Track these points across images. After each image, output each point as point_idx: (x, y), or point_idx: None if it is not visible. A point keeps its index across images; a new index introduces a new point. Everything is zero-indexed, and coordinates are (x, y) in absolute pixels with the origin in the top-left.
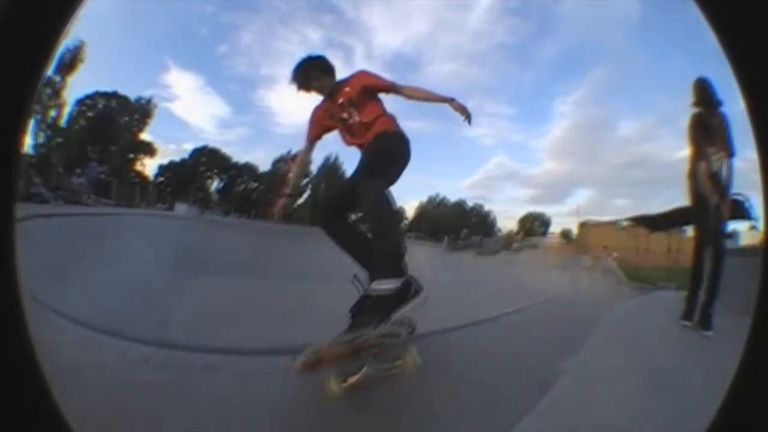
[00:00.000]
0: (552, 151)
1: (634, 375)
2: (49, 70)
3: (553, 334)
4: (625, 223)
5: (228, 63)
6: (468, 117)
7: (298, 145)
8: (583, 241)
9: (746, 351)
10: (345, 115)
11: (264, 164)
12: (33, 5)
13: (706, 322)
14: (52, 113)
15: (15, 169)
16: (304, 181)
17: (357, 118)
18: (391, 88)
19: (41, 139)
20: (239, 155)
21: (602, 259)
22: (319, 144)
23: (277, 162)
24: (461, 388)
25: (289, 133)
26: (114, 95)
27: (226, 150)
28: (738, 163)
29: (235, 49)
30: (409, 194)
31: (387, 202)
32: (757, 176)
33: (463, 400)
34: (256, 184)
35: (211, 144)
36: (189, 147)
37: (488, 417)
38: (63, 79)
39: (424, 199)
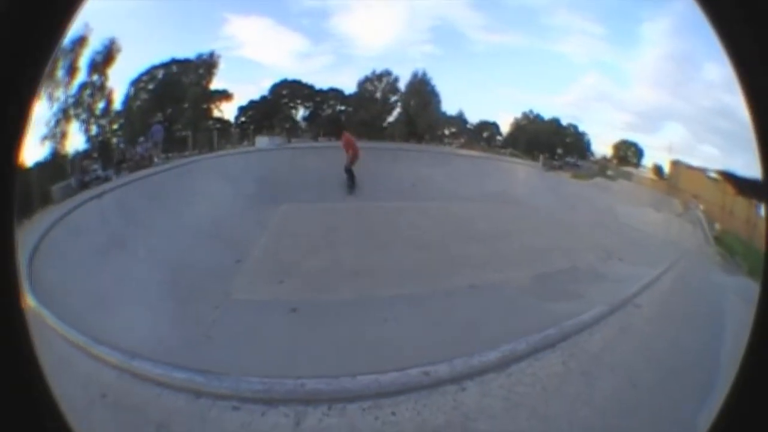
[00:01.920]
0: (644, 77)
1: None
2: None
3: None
4: (714, 174)
5: (293, 0)
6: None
7: (381, 65)
8: (675, 181)
9: (747, 350)
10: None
11: (349, 87)
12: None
13: None
14: (101, 105)
15: (12, 184)
16: (393, 98)
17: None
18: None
19: (94, 131)
20: (322, 82)
21: (692, 210)
22: (405, 61)
23: (363, 83)
24: None
25: (371, 55)
26: (172, 62)
27: (308, 80)
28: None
29: None
30: (503, 109)
31: None
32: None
33: None
34: (343, 107)
35: (291, 77)
36: (268, 84)
37: None
38: (102, 74)
39: (518, 114)
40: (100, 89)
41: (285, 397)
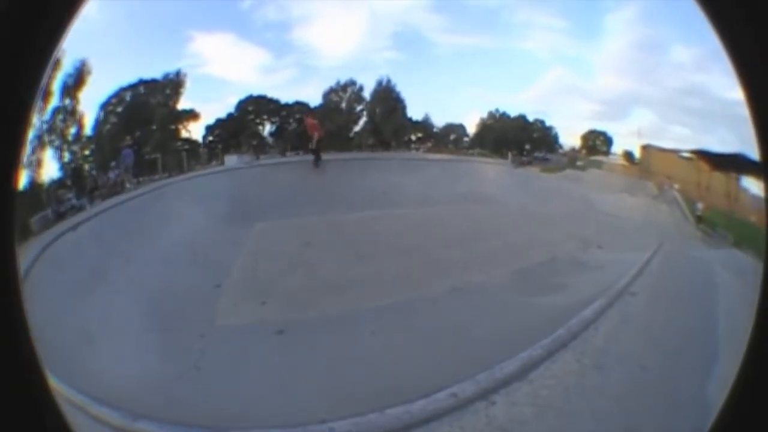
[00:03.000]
0: (609, 66)
1: None
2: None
3: None
4: (687, 154)
5: (257, 14)
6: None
7: (346, 75)
8: (646, 165)
9: (747, 351)
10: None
11: (315, 99)
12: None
13: None
14: (72, 131)
15: (16, 170)
16: (359, 108)
17: None
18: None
19: (66, 158)
20: (288, 96)
21: (667, 191)
22: (369, 69)
23: (328, 94)
24: None
25: (335, 65)
26: (139, 83)
27: (273, 94)
28: None
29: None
30: (468, 110)
31: None
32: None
33: None
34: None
35: (256, 92)
36: (233, 101)
37: None
38: (73, 98)
39: (484, 114)
40: (71, 114)
41: None
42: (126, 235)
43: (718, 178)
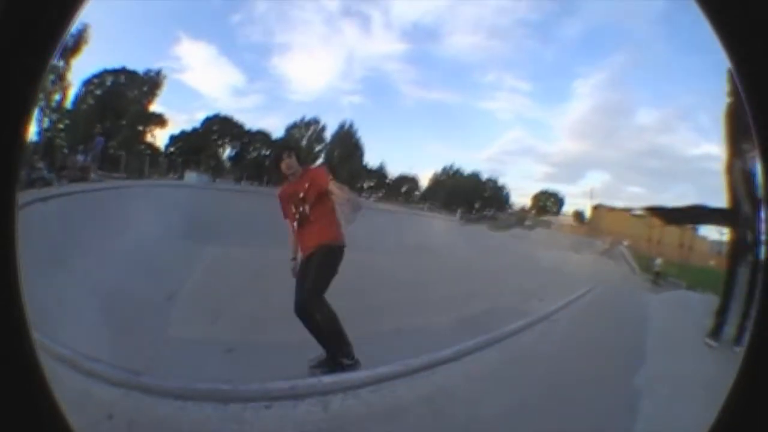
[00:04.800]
0: (569, 130)
1: None
2: (53, 59)
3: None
4: (639, 212)
5: (242, 32)
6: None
7: (311, 112)
8: (596, 224)
9: (747, 351)
10: (301, 208)
11: (277, 131)
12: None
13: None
14: (57, 97)
15: (18, 161)
16: (318, 147)
17: (307, 212)
18: (327, 191)
19: (46, 124)
20: (252, 123)
21: (615, 247)
22: (334, 110)
23: (290, 129)
24: None
25: (303, 100)
26: (122, 71)
27: (239, 117)
28: None
29: (249, 18)
30: (423, 163)
31: (330, 314)
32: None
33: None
34: (269, 151)
35: (224, 112)
36: (201, 116)
37: None
38: (67, 63)
39: (439, 169)
40: (60, 78)
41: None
42: (89, 226)
43: (672, 232)
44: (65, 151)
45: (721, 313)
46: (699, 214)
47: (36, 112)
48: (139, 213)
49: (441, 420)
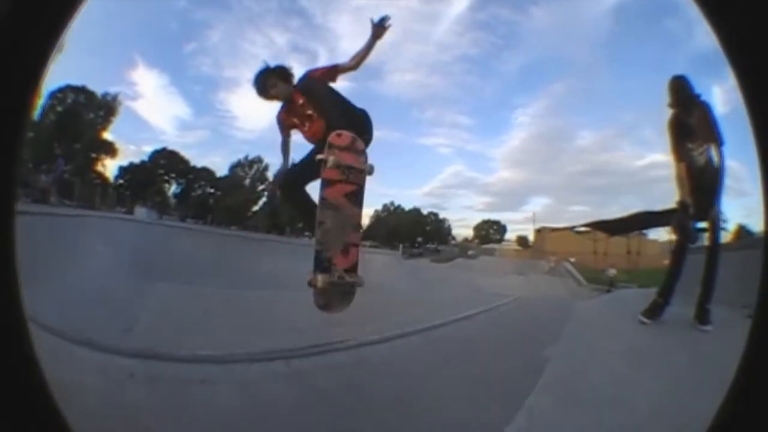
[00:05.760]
0: (509, 160)
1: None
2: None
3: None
4: (582, 228)
5: (193, 62)
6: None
7: (255, 151)
8: (540, 246)
9: (746, 351)
10: (308, 112)
11: (221, 169)
12: (28, 16)
13: (704, 317)
14: None
15: (16, 170)
16: (261, 187)
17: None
18: (336, 70)
19: None
20: (197, 159)
21: (559, 264)
22: (276, 149)
23: (234, 167)
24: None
25: (248, 138)
26: (82, 90)
27: (185, 153)
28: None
29: (201, 48)
30: (364, 202)
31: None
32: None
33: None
34: (212, 190)
35: (171, 146)
36: (149, 149)
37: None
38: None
39: (379, 207)
40: None
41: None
42: (47, 252)
43: (618, 242)
44: (30, 165)
45: (663, 294)
46: (645, 219)
47: None
48: (95, 245)
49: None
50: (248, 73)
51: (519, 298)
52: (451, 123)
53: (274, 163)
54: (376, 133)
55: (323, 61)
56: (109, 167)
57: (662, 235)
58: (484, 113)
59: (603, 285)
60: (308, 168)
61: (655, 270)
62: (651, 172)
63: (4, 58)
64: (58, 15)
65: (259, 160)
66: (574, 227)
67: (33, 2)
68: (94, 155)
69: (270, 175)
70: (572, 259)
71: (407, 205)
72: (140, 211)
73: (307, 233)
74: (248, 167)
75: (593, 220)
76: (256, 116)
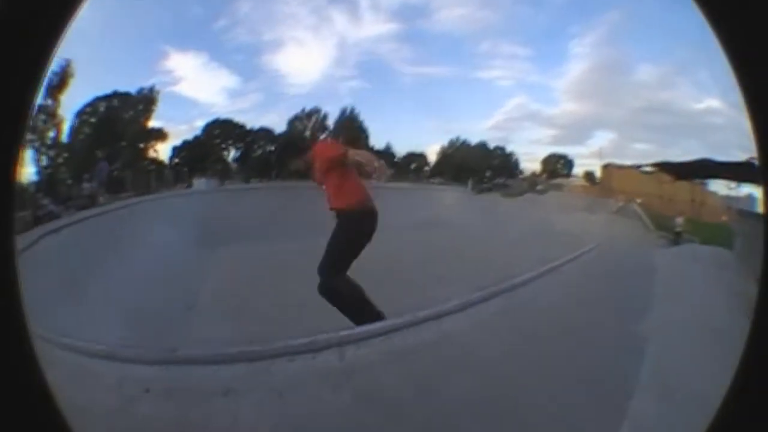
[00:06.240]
0: (571, 92)
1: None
2: (38, 99)
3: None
4: (649, 168)
5: (228, 36)
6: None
7: (311, 103)
8: (607, 183)
9: (746, 351)
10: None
11: (279, 126)
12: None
13: None
14: (51, 134)
15: (11, 200)
16: (322, 136)
17: (324, 186)
18: (343, 156)
19: (44, 162)
20: (253, 122)
21: (628, 206)
22: (334, 97)
23: (292, 121)
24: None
25: (301, 92)
26: (114, 95)
27: (239, 119)
28: None
29: (234, 21)
30: (428, 139)
31: (351, 288)
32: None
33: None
34: (273, 147)
35: (223, 116)
36: (201, 123)
37: None
38: (55, 99)
39: (445, 142)
40: (52, 116)
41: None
42: (103, 248)
43: (682, 187)
44: (69, 182)
45: None
46: (707, 168)
47: (30, 153)
48: (152, 226)
49: (443, 363)
50: (289, 32)
51: (600, 246)
52: (508, 54)
53: (332, 111)
54: (434, 69)
55: (365, 7)
56: (162, 151)
57: (721, 188)
58: (541, 44)
59: (668, 233)
60: None
61: (715, 225)
62: (708, 118)
63: (4, 58)
64: (58, 15)
65: (316, 110)
66: (640, 166)
67: (32, 2)
68: (142, 145)
69: (330, 123)
70: (639, 201)
71: (473, 140)
72: (199, 183)
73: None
74: (306, 119)
75: (659, 161)
76: (305, 70)
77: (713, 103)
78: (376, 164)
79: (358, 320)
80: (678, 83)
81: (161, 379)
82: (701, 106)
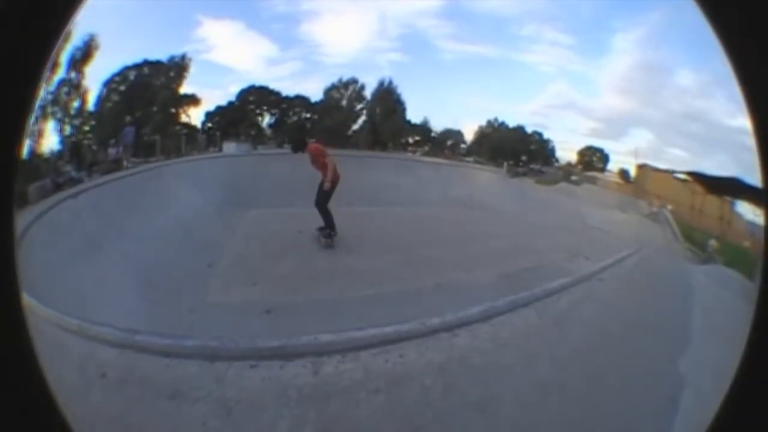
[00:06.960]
0: (611, 86)
1: None
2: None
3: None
4: (682, 175)
5: (265, 5)
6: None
7: (348, 73)
8: (641, 184)
9: (746, 351)
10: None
11: (316, 95)
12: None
13: None
14: (75, 104)
15: (14, 175)
16: (359, 106)
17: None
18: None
19: (68, 131)
20: (289, 89)
21: (659, 210)
22: (372, 69)
23: (329, 90)
24: None
25: (339, 62)
26: (144, 63)
27: (275, 86)
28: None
29: None
30: (467, 117)
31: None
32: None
33: None
34: (308, 115)
35: (258, 83)
36: (235, 89)
37: None
38: (80, 72)
39: (483, 122)
40: (76, 87)
41: (301, 352)
42: (123, 209)
43: (712, 202)
44: (94, 148)
45: None
46: (735, 188)
47: (52, 124)
48: (177, 187)
49: (452, 395)
50: (328, 2)
51: (638, 252)
52: (550, 41)
53: (370, 83)
54: (475, 48)
55: None
56: (195, 116)
57: (747, 211)
58: (584, 34)
59: (695, 247)
60: None
61: (739, 249)
62: (741, 137)
63: (4, 57)
64: (58, 15)
65: (353, 81)
66: (675, 172)
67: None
68: (173, 110)
69: (368, 94)
70: (670, 207)
71: (511, 123)
72: (229, 147)
73: (411, 149)
74: (343, 89)
75: (693, 170)
76: (343, 40)
77: (745, 122)
78: (327, 177)
79: (330, 225)
80: (714, 94)
81: (117, 367)
82: (735, 123)
